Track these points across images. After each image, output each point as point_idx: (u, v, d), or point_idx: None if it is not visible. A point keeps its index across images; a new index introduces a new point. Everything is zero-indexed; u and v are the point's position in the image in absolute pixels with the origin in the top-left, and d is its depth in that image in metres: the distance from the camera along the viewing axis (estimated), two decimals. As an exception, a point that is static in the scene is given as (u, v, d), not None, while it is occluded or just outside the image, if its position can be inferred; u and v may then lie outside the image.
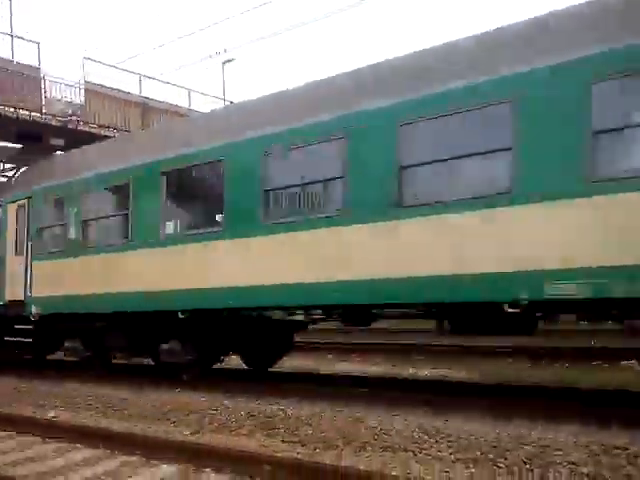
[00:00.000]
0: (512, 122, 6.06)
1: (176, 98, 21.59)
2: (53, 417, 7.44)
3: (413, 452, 5.15)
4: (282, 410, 6.86)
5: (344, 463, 4.84)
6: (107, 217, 10.52)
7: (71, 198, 10.72)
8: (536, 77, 5.99)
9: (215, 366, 10.02)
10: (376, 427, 5.87)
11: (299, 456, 5.14)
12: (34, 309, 11.13)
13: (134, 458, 5.44)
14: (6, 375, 11.37)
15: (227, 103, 23.21)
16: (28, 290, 11.34)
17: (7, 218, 12.12)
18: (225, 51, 19.81)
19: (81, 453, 5.77)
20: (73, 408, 8.06)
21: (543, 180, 5.86)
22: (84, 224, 10.51)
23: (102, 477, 4.97)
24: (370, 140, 7.03)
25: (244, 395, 8.11)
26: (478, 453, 4.95)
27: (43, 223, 11.42)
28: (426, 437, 5.46)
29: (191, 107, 21.68)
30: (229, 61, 25.56)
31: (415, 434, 5.58)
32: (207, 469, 4.92)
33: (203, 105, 22.23)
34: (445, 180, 6.62)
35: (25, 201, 11.75)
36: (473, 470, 4.64)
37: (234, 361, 11.97)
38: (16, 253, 11.78)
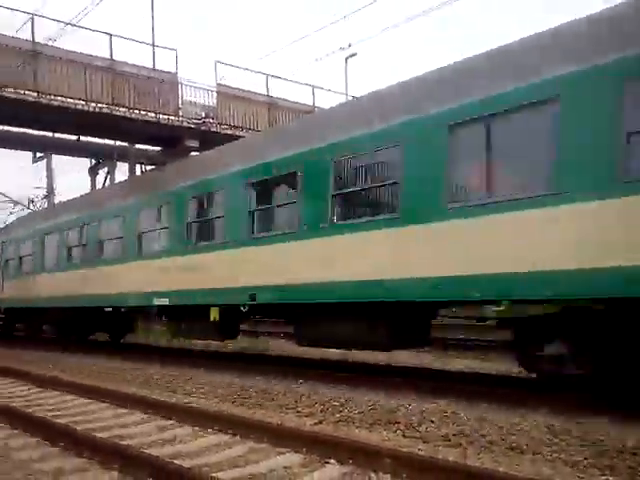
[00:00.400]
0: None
1: (301, 96, 22.13)
2: (186, 402, 7.94)
3: (542, 454, 4.93)
4: (403, 405, 6.84)
5: (468, 462, 4.74)
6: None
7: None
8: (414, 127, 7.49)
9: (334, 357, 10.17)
10: (502, 427, 5.68)
11: (421, 452, 5.11)
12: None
13: (262, 445, 5.67)
14: (152, 362, 12.31)
15: (349, 98, 23.38)
16: None
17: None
18: (349, 45, 19.87)
19: (213, 437, 6.10)
20: (205, 395, 8.55)
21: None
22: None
23: (232, 461, 5.24)
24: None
25: (365, 388, 8.18)
26: (616, 460, 4.63)
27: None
28: (556, 439, 5.21)
29: (316, 104, 22.08)
30: (352, 56, 25.70)
31: (544, 436, 5.33)
32: (331, 460, 5.02)
33: (327, 101, 22.60)
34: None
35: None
36: (611, 478, 4.36)
37: (358, 355, 12.13)
38: None
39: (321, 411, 7.02)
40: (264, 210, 9.93)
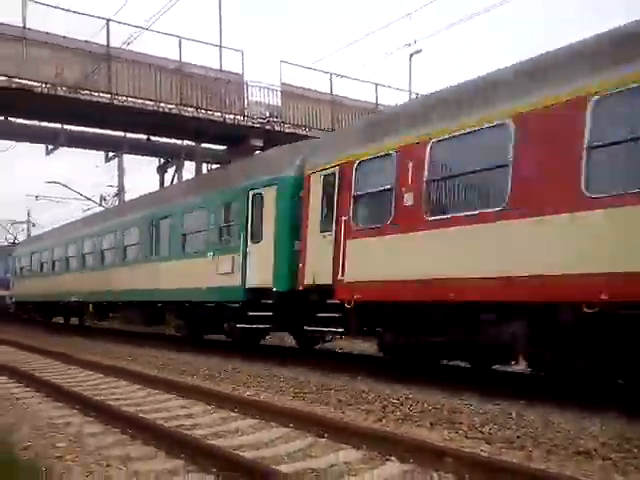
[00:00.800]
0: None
1: (365, 94, 22.09)
2: (249, 395, 8.09)
3: (613, 460, 4.74)
4: (466, 405, 6.73)
5: (533, 465, 4.62)
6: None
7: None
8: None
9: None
10: (568, 430, 5.50)
11: (484, 454, 5.02)
12: None
13: (322, 440, 5.70)
14: (231, 356, 12.60)
15: (413, 96, 23.16)
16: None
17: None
18: (415, 42, 19.67)
19: (274, 431, 6.19)
20: (266, 389, 8.68)
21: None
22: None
23: (293, 455, 5.30)
24: None
25: (426, 387, 8.10)
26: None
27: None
28: (627, 445, 5.00)
29: (378, 102, 22.00)
30: (417, 52, 25.42)
31: (613, 441, 5.13)
32: (392, 457, 4.99)
33: (390, 99, 22.47)
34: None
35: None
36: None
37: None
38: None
39: (381, 408, 6.99)
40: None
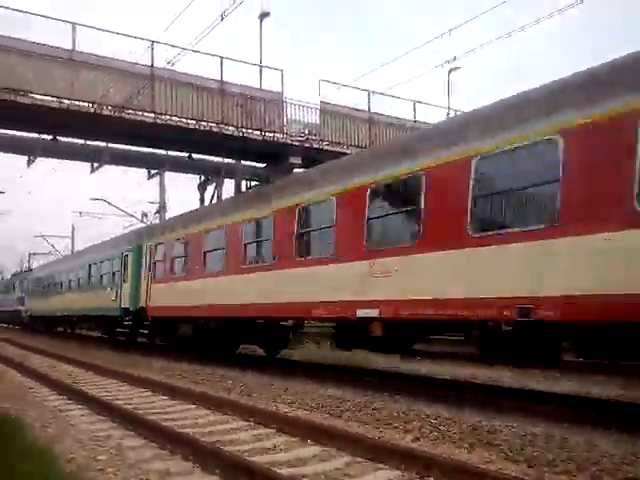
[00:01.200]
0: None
1: (403, 111, 22.11)
2: (285, 412, 8.08)
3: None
4: (506, 427, 6.59)
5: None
6: None
7: None
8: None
9: (431, 373, 9.99)
10: (614, 454, 5.33)
11: (527, 477, 4.89)
12: None
13: (359, 459, 5.66)
14: (267, 372, 12.66)
15: (452, 112, 23.07)
16: None
17: None
18: (455, 59, 19.58)
19: (311, 449, 6.16)
20: (302, 406, 8.66)
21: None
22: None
23: (330, 473, 5.27)
24: None
25: (465, 407, 7.96)
26: None
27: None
28: (678, 473, 4.81)
29: (416, 119, 21.97)
30: (455, 69, 25.38)
31: (664, 468, 4.95)
32: (430, 478, 4.93)
33: (429, 116, 22.42)
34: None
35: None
36: None
37: (456, 372, 11.83)
38: None
39: (419, 428, 6.90)
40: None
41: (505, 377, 11.61)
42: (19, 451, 5.50)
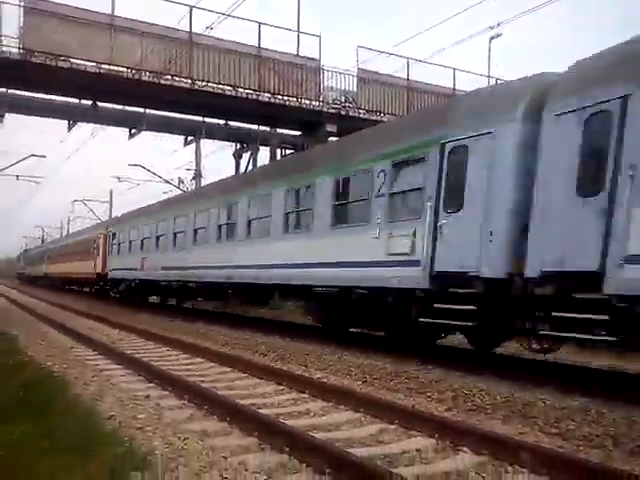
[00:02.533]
0: None
1: (440, 79, 21.64)
2: (319, 378, 8.18)
3: None
4: (541, 400, 6.55)
5: (614, 465, 4.44)
6: None
7: None
8: None
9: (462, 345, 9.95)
10: (653, 431, 5.26)
11: (561, 450, 4.87)
12: None
13: (393, 426, 5.70)
14: (301, 338, 12.82)
15: (492, 81, 22.50)
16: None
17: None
18: (499, 25, 18.94)
19: (344, 414, 6.24)
20: (336, 373, 8.75)
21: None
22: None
23: (364, 439, 5.33)
24: None
25: (497, 379, 7.91)
26: None
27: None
28: None
29: (455, 87, 21.49)
30: (497, 36, 24.63)
31: None
32: (464, 448, 4.94)
33: (467, 84, 21.90)
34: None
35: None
36: None
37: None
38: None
39: (452, 398, 6.91)
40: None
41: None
42: (62, 408, 5.69)
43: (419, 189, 9.39)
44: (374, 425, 5.77)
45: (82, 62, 15.85)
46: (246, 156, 27.17)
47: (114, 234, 27.20)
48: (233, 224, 15.51)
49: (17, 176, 35.30)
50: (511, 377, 7.94)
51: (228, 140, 26.95)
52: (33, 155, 31.28)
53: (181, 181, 34.24)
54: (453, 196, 8.79)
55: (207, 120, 23.77)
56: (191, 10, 17.13)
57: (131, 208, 28.39)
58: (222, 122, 23.29)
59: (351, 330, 12.84)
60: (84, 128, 24.11)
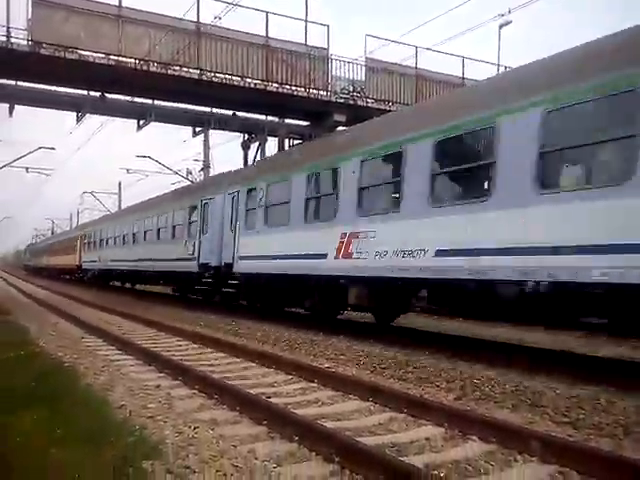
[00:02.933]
0: None
1: (449, 68, 21.49)
2: (327, 367, 8.21)
3: None
4: (551, 388, 6.54)
5: (625, 454, 4.44)
6: None
7: None
8: None
9: (473, 334, 9.91)
10: (664, 420, 5.24)
11: (570, 439, 4.87)
12: None
13: (402, 415, 5.72)
14: (309, 328, 12.86)
15: (502, 69, 22.31)
16: None
17: None
18: (510, 12, 18.68)
19: (353, 403, 6.27)
20: (344, 362, 8.78)
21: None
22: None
23: (373, 428, 5.36)
24: None
25: (507, 368, 7.91)
26: None
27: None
28: None
29: (465, 76, 21.33)
30: (506, 24, 24.37)
31: None
32: (473, 436, 4.95)
33: (476, 74, 21.75)
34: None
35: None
36: None
37: (499, 334, 11.76)
38: None
39: (461, 387, 6.92)
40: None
41: (547, 340, 11.49)
42: (74, 398, 5.75)
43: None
44: (383, 414, 5.80)
45: (90, 53, 15.86)
46: (254, 146, 27.16)
47: (85, 235, 36.63)
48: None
49: (27, 168, 35.48)
50: (521, 366, 7.94)
51: (236, 131, 26.91)
52: (42, 147, 31.35)
53: (189, 172, 34.30)
54: None
55: (215, 111, 23.75)
56: (198, 0, 17.09)
57: (140, 199, 28.95)
58: (230, 113, 23.26)
59: (360, 321, 12.80)
60: (93, 120, 24.16)
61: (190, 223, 19.02)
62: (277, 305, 15.40)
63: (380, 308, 12.23)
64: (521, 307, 8.65)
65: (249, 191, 15.15)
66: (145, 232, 24.34)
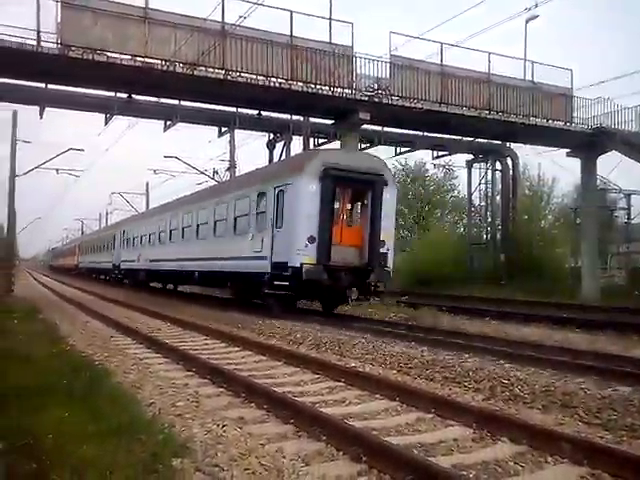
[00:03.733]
0: None
1: (476, 64, 21.25)
2: (354, 367, 8.19)
3: None
4: (581, 389, 6.43)
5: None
6: None
7: None
8: None
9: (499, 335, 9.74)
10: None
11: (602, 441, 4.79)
12: None
13: (429, 415, 5.68)
14: (332, 327, 12.86)
15: (529, 63, 22.01)
16: None
17: None
18: (536, 5, 18.32)
19: (380, 403, 6.25)
20: (371, 362, 8.75)
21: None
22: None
23: (400, 428, 5.33)
24: None
25: (536, 368, 7.79)
26: None
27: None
28: None
29: (492, 71, 21.09)
30: (533, 18, 23.99)
31: None
32: (503, 437, 4.89)
33: (503, 68, 21.49)
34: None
35: None
36: None
37: (526, 335, 11.61)
38: None
39: (490, 388, 6.85)
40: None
41: (576, 339, 11.31)
42: (104, 396, 5.83)
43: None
44: (410, 414, 5.77)
45: (118, 55, 16.05)
46: (279, 146, 27.25)
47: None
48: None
49: (57, 169, 35.96)
50: (551, 366, 7.83)
51: (261, 130, 27.05)
52: (71, 149, 31.77)
53: (216, 172, 34.51)
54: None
55: (240, 111, 23.88)
56: (223, 1, 17.16)
57: (167, 200, 28.99)
58: (255, 112, 23.36)
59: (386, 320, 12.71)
60: (120, 121, 24.46)
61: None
62: None
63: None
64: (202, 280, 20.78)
65: None
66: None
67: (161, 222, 25.48)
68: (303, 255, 13.59)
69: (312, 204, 13.68)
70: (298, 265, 13.55)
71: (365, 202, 14.72)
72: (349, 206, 15.66)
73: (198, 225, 20.60)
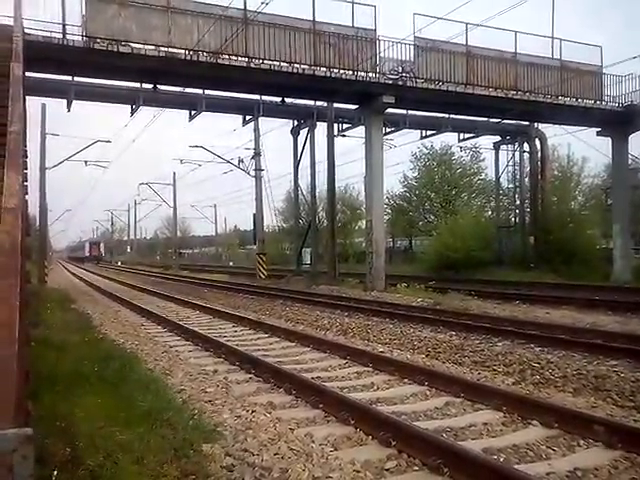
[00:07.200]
0: None
1: (501, 43, 20.81)
2: (381, 352, 8.18)
3: None
4: (614, 372, 6.33)
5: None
6: None
7: None
8: None
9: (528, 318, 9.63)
10: None
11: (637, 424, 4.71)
12: None
13: (458, 399, 5.65)
14: (360, 313, 12.86)
15: (556, 42, 21.49)
16: None
17: None
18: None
19: (409, 388, 6.23)
20: (399, 347, 8.73)
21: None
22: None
23: (429, 412, 5.31)
24: None
25: (567, 351, 7.68)
26: None
27: None
28: None
29: (518, 51, 20.66)
30: (561, -5, 23.41)
31: None
32: (534, 421, 4.84)
33: (530, 47, 21.03)
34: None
35: None
36: None
37: (554, 318, 11.45)
38: None
39: (520, 371, 6.78)
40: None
41: (608, 322, 11.11)
42: (135, 382, 5.92)
43: None
44: (439, 398, 5.74)
45: (142, 46, 16.11)
46: (303, 132, 27.16)
47: None
48: None
49: (85, 162, 36.44)
50: (583, 349, 7.71)
51: (285, 117, 26.98)
52: (99, 140, 32.13)
53: (241, 160, 34.59)
54: None
55: (264, 98, 23.83)
56: (244, -13, 17.08)
57: (193, 189, 29.27)
58: (279, 99, 23.29)
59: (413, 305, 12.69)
60: (145, 112, 24.62)
61: None
62: None
63: None
64: None
65: None
66: None
67: None
68: None
69: None
70: None
71: None
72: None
73: None
